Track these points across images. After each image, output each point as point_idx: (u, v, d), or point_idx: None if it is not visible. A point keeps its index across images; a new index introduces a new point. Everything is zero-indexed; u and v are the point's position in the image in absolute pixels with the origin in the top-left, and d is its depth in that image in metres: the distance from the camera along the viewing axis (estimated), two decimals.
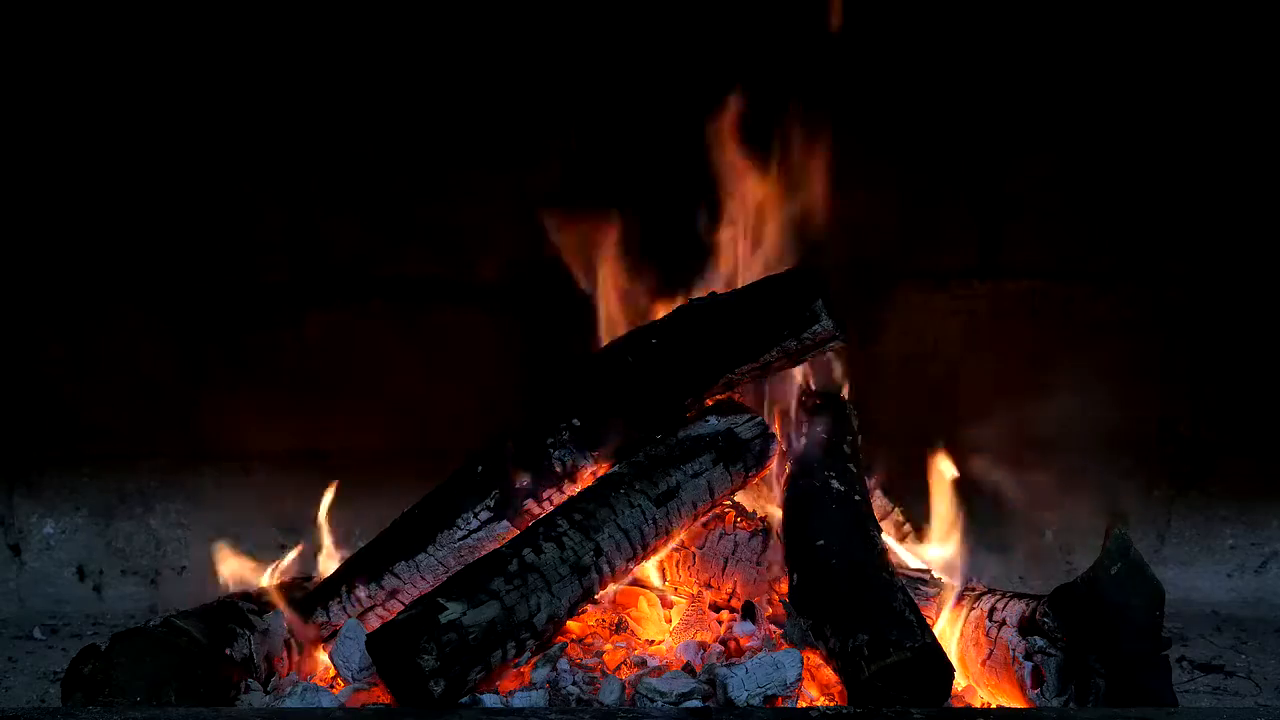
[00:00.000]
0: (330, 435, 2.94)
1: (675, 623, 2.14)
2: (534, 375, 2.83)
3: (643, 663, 1.99)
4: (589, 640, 2.06)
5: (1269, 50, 2.84)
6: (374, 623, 2.05)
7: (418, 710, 1.77)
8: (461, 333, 2.93)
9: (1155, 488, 3.00)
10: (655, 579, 2.24)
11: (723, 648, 2.03)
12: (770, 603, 2.14)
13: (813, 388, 2.41)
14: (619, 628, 2.11)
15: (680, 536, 2.15)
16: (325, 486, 2.38)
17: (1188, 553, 3.01)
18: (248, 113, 2.85)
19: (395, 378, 2.90)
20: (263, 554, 2.37)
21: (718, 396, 2.21)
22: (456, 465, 2.24)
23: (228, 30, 2.81)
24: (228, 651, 1.92)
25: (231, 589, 2.18)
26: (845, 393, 2.43)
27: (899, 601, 1.83)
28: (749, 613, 2.13)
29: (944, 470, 2.29)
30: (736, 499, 2.24)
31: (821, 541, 1.98)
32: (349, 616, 2.10)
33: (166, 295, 2.92)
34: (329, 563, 2.26)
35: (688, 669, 1.92)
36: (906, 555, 2.27)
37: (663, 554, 2.19)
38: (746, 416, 2.18)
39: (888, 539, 2.28)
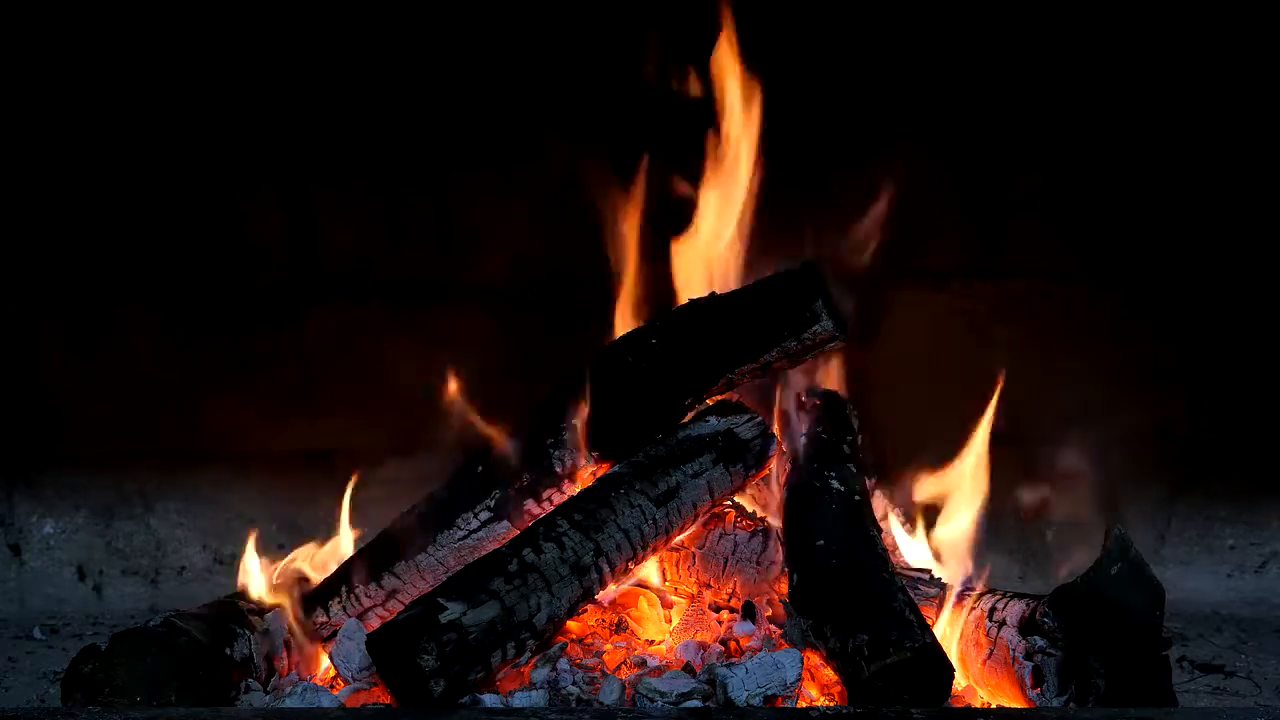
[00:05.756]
0: (330, 435, 2.94)
1: (675, 623, 2.14)
2: (534, 375, 2.83)
3: (643, 663, 1.99)
4: (589, 640, 2.06)
5: (1268, 56, 2.84)
6: (374, 623, 2.05)
7: (418, 710, 1.77)
8: (462, 332, 2.93)
9: (1155, 488, 3.01)
10: (655, 579, 2.25)
11: (723, 648, 2.03)
12: (770, 603, 2.14)
13: (813, 388, 2.40)
14: (619, 628, 2.11)
15: (680, 537, 2.15)
16: (325, 486, 2.37)
17: (1188, 553, 3.01)
18: (248, 112, 2.85)
19: (395, 377, 2.90)
20: (263, 554, 2.36)
21: (718, 396, 2.22)
22: (456, 465, 2.25)
23: (227, 28, 2.81)
24: (228, 651, 1.92)
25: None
26: (845, 393, 2.43)
27: (899, 601, 1.83)
28: (749, 613, 2.13)
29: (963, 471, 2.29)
30: (736, 499, 2.24)
31: (821, 541, 1.98)
32: (349, 616, 2.10)
33: (166, 295, 2.92)
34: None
35: (688, 669, 1.92)
36: (915, 550, 2.27)
37: (663, 554, 2.19)
38: (746, 416, 2.18)
39: (901, 536, 2.29)
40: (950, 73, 2.85)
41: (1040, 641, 1.82)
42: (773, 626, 2.08)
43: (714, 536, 2.19)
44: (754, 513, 2.25)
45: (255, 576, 2.13)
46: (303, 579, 2.22)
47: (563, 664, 1.92)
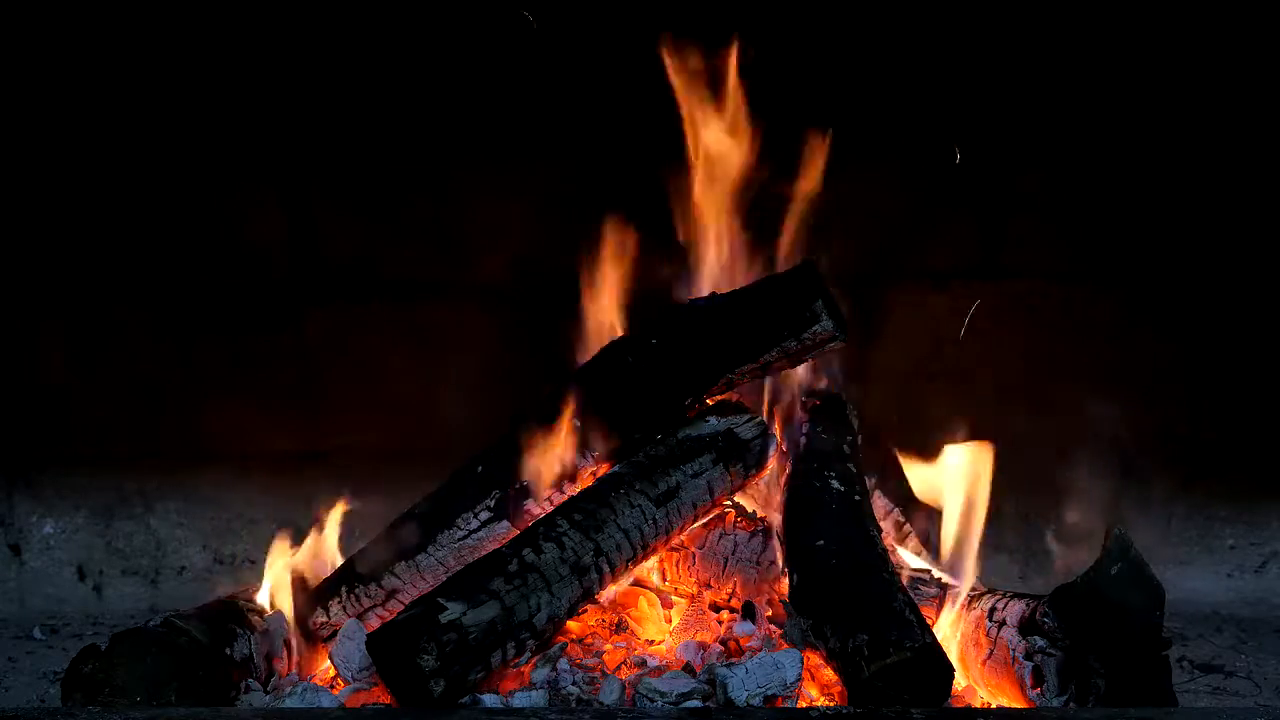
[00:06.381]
0: (330, 435, 2.94)
1: (675, 623, 2.14)
2: (535, 375, 2.83)
3: (643, 663, 1.99)
4: (589, 640, 2.06)
5: (1268, 56, 2.83)
6: (374, 623, 2.05)
7: (418, 710, 1.77)
8: (461, 332, 2.93)
9: (1155, 488, 3.00)
10: (655, 579, 2.25)
11: (723, 648, 2.03)
12: (770, 603, 2.14)
13: (813, 388, 2.40)
14: (619, 628, 2.11)
15: (680, 537, 2.15)
16: (325, 486, 2.37)
17: (1188, 553, 3.01)
18: (248, 112, 2.85)
19: (395, 377, 2.90)
20: (263, 554, 2.36)
21: (718, 396, 2.21)
22: (456, 465, 2.25)
23: (228, 29, 2.80)
24: (228, 651, 1.92)
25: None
26: (845, 393, 2.43)
27: (899, 601, 1.83)
28: (749, 613, 2.13)
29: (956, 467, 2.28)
30: (736, 499, 2.24)
31: (821, 541, 1.98)
32: (349, 616, 2.10)
33: (166, 295, 2.92)
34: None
35: (688, 669, 1.92)
36: (907, 556, 2.27)
37: (662, 554, 2.19)
38: (746, 416, 2.18)
39: (905, 549, 2.29)
40: (951, 72, 2.84)
41: (1040, 641, 1.82)
42: (773, 626, 2.08)
43: (714, 536, 2.19)
44: (754, 513, 2.25)
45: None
46: (303, 579, 2.22)
47: (563, 664, 1.92)
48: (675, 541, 2.16)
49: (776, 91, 2.47)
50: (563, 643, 1.97)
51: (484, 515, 2.14)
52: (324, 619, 2.12)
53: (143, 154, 2.86)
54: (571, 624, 2.04)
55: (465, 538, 2.13)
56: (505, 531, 2.12)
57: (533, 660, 1.90)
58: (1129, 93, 2.87)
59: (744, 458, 2.15)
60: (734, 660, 1.94)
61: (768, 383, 2.34)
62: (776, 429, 2.28)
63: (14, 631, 2.73)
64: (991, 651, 1.92)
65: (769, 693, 1.80)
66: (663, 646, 2.09)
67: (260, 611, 2.07)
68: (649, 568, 2.22)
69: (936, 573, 2.17)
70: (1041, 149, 2.89)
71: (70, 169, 2.86)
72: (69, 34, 2.80)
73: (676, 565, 2.23)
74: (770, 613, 2.13)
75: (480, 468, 2.19)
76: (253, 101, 2.84)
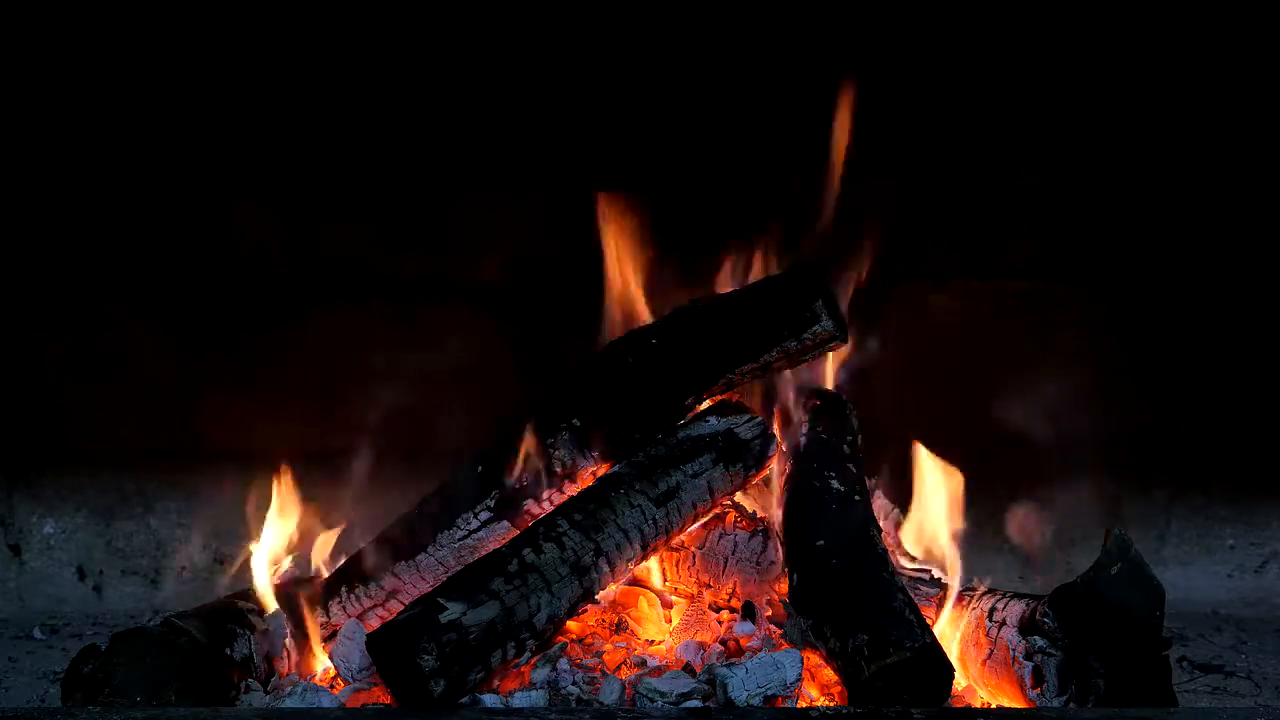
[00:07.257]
0: (330, 435, 2.93)
1: (675, 623, 2.14)
2: (534, 375, 2.83)
3: (643, 663, 1.99)
4: (589, 640, 2.06)
5: (1265, 60, 2.84)
6: (374, 623, 2.05)
7: (418, 710, 1.77)
8: (461, 333, 2.93)
9: (1155, 488, 3.00)
10: (655, 579, 2.25)
11: (723, 648, 2.03)
12: (770, 603, 2.14)
13: (813, 387, 2.40)
14: (619, 628, 2.11)
15: (680, 537, 2.15)
16: (326, 487, 2.37)
17: (1188, 553, 3.01)
18: (249, 113, 2.85)
19: (395, 377, 2.90)
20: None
21: (718, 396, 2.22)
22: (456, 465, 2.24)
23: (227, 29, 2.81)
24: (228, 651, 1.92)
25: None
26: (845, 393, 2.43)
27: (899, 601, 1.83)
28: (749, 613, 2.13)
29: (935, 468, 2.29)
30: (736, 499, 2.24)
31: (821, 541, 1.98)
32: (349, 616, 2.10)
33: (167, 295, 2.92)
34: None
35: (688, 669, 1.92)
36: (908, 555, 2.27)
37: (663, 554, 2.19)
38: (746, 416, 2.18)
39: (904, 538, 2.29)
40: (951, 74, 2.84)
41: (1040, 641, 1.82)
42: (773, 626, 2.08)
43: (714, 536, 2.19)
44: (754, 513, 2.25)
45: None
46: (304, 579, 2.22)
47: (563, 664, 1.92)
48: (675, 541, 2.16)
49: (775, 91, 2.48)
50: (563, 643, 1.97)
51: (484, 515, 2.14)
52: (324, 619, 2.12)
53: (143, 154, 2.86)
54: (571, 624, 2.04)
55: (465, 538, 2.13)
56: (505, 531, 2.12)
57: (533, 660, 1.90)
58: (1128, 95, 2.86)
59: (744, 458, 2.15)
60: (734, 660, 1.94)
61: (768, 382, 2.33)
62: (776, 429, 2.28)
63: (14, 631, 2.72)
64: (991, 651, 1.92)
65: (769, 693, 1.80)
66: (663, 646, 2.09)
67: (260, 611, 2.07)
68: (649, 568, 2.22)
69: (936, 573, 2.17)
70: (1042, 150, 2.89)
71: (72, 170, 2.86)
72: (76, 39, 2.80)
73: (676, 565, 2.23)
74: (770, 613, 2.13)
75: (480, 468, 2.19)
76: (254, 103, 2.84)
